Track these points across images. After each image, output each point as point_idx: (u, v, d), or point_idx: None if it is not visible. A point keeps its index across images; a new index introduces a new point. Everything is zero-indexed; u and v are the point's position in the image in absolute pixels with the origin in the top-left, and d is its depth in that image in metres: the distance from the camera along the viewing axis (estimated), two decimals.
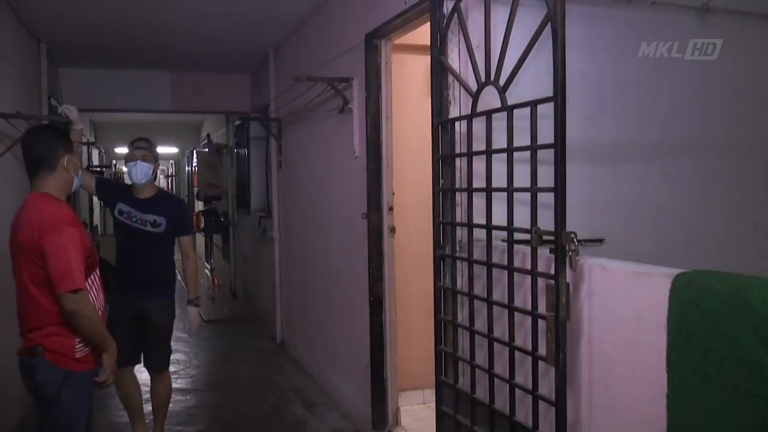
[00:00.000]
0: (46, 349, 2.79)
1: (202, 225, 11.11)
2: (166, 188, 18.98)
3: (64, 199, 2.96)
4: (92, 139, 11.28)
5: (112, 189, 4.49)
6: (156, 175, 4.38)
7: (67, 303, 2.67)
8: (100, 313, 2.96)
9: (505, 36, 2.73)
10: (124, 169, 4.62)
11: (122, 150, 16.60)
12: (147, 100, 8.49)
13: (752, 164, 3.87)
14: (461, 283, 3.15)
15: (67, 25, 6.07)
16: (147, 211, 4.20)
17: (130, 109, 8.89)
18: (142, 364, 4.39)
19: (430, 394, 4.45)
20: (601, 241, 3.31)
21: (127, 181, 4.73)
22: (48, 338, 2.79)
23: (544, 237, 2.52)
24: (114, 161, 18.43)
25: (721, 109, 3.78)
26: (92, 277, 2.92)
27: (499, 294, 2.80)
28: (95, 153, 13.04)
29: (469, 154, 3.00)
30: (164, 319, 4.33)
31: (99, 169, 11.25)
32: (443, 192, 3.22)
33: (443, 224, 3.22)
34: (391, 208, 4.41)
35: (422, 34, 3.65)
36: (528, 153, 2.61)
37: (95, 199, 9.21)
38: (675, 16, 3.61)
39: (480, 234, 2.94)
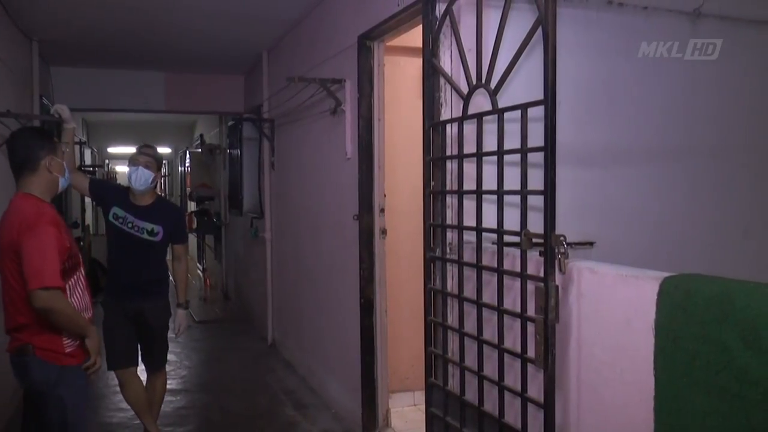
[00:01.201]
0: (36, 347, 2.82)
1: (195, 225, 11.09)
2: (160, 188, 18.92)
3: (49, 200, 2.97)
4: (84, 139, 11.24)
5: (106, 191, 4.41)
6: (156, 184, 4.35)
7: (35, 300, 2.67)
8: (88, 314, 2.99)
9: (496, 39, 2.74)
10: (117, 168, 4.60)
11: (115, 150, 16.58)
12: (140, 100, 8.46)
13: (742, 168, 3.89)
14: (451, 285, 3.16)
15: (59, 24, 6.05)
16: (145, 218, 4.16)
17: (122, 108, 8.86)
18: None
19: (421, 396, 4.45)
20: (591, 244, 3.32)
21: (122, 181, 4.70)
22: (36, 336, 2.82)
23: (534, 240, 2.52)
24: (107, 161, 18.36)
25: (712, 113, 3.80)
26: (75, 277, 2.93)
27: (489, 296, 2.81)
28: (88, 152, 12.99)
29: (460, 157, 3.01)
30: (161, 319, 4.34)
31: (91, 168, 11.20)
32: (434, 194, 3.22)
33: (434, 226, 3.22)
34: (382, 210, 4.41)
35: (415, 36, 3.65)
36: (519, 156, 2.62)
37: (87, 198, 9.17)
38: (667, 21, 3.63)
39: (470, 236, 2.95)
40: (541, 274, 2.44)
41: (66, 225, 3.03)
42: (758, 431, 1.71)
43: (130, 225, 4.14)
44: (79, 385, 2.95)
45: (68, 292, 2.86)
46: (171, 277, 4.52)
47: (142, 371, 4.40)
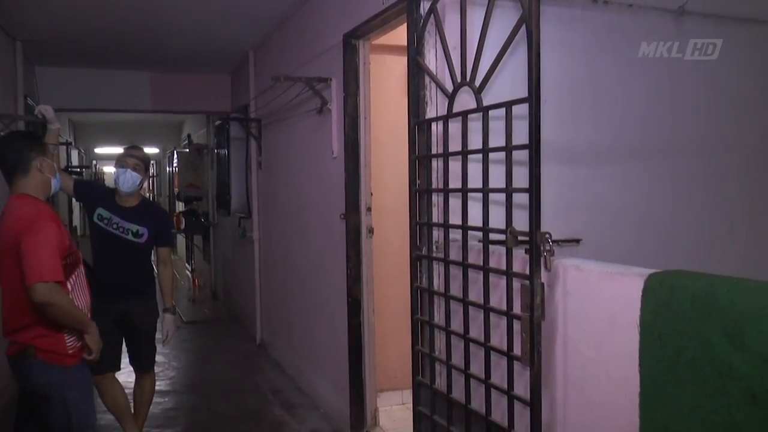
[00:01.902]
0: (38, 349, 2.82)
1: (183, 226, 11.04)
2: (148, 189, 18.84)
3: (43, 200, 2.98)
4: (70, 140, 11.17)
5: (92, 192, 4.38)
6: (142, 186, 4.32)
7: (34, 295, 2.66)
8: (88, 313, 2.99)
9: (480, 37, 2.73)
10: (105, 169, 4.56)
11: (102, 150, 16.47)
12: (125, 99, 8.41)
13: (728, 165, 3.90)
14: (438, 283, 3.15)
15: (43, 24, 6.00)
16: (130, 220, 4.12)
17: (108, 108, 8.81)
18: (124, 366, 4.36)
19: (409, 395, 4.43)
20: (577, 241, 3.33)
21: (109, 182, 4.68)
22: (38, 339, 2.82)
23: (519, 237, 2.52)
24: (94, 161, 18.24)
25: (698, 110, 3.81)
26: (75, 275, 2.94)
27: (475, 294, 2.80)
28: (75, 153, 12.90)
29: (445, 155, 3.00)
30: (149, 320, 4.31)
31: (78, 169, 11.13)
32: (419, 192, 3.21)
33: (420, 225, 3.21)
34: (369, 209, 4.40)
35: (400, 35, 3.64)
36: (504, 154, 2.61)
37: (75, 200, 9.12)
38: (653, 18, 3.64)
39: (456, 234, 2.94)
40: (527, 272, 2.44)
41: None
42: (741, 426, 1.72)
43: (115, 226, 4.10)
44: (83, 385, 2.97)
45: (69, 289, 2.86)
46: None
47: (123, 374, 4.36)
